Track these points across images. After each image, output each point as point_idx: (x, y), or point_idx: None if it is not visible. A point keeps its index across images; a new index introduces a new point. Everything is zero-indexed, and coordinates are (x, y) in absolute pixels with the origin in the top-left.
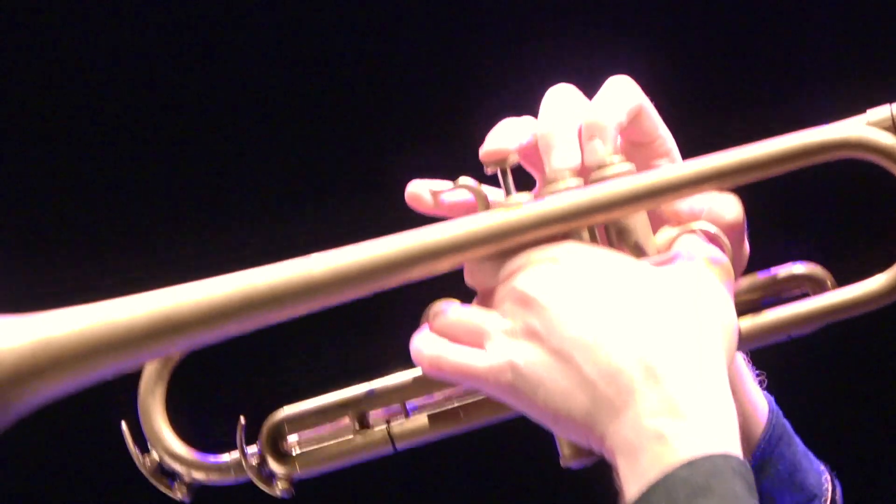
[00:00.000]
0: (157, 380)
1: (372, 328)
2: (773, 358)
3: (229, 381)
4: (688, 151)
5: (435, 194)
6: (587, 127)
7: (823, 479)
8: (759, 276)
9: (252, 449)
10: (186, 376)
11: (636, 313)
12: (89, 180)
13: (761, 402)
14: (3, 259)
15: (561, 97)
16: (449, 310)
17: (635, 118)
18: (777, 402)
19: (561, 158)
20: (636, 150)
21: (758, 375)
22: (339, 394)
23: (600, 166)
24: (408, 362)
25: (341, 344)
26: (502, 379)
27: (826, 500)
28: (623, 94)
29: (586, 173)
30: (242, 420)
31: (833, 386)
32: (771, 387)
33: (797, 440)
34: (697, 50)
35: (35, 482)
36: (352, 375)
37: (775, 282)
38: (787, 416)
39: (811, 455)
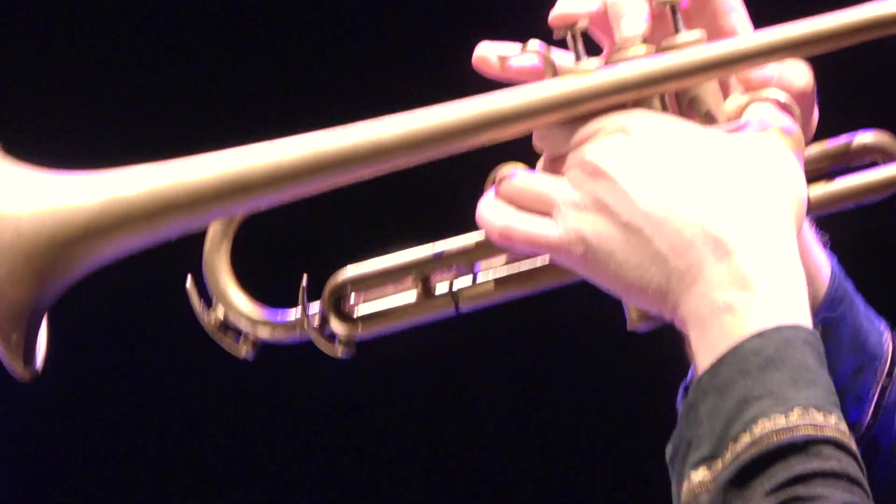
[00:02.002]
0: (222, 237)
1: (439, 190)
2: (836, 220)
3: (295, 239)
4: (759, 21)
5: (502, 59)
6: None
7: (884, 339)
8: (829, 145)
9: (314, 309)
10: (252, 234)
11: (706, 185)
12: (163, 40)
13: (824, 263)
14: (73, 117)
15: None
16: (516, 176)
17: None
18: (839, 263)
19: (631, 25)
20: (701, 7)
21: (821, 236)
22: (404, 254)
23: (666, 32)
24: (473, 225)
25: (407, 206)
26: (573, 251)
27: (886, 360)
28: None
29: (656, 41)
30: (305, 279)
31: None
32: (834, 248)
33: (859, 300)
34: None
35: (99, 339)
36: (417, 238)
37: (844, 150)
38: (848, 277)
39: (872, 314)
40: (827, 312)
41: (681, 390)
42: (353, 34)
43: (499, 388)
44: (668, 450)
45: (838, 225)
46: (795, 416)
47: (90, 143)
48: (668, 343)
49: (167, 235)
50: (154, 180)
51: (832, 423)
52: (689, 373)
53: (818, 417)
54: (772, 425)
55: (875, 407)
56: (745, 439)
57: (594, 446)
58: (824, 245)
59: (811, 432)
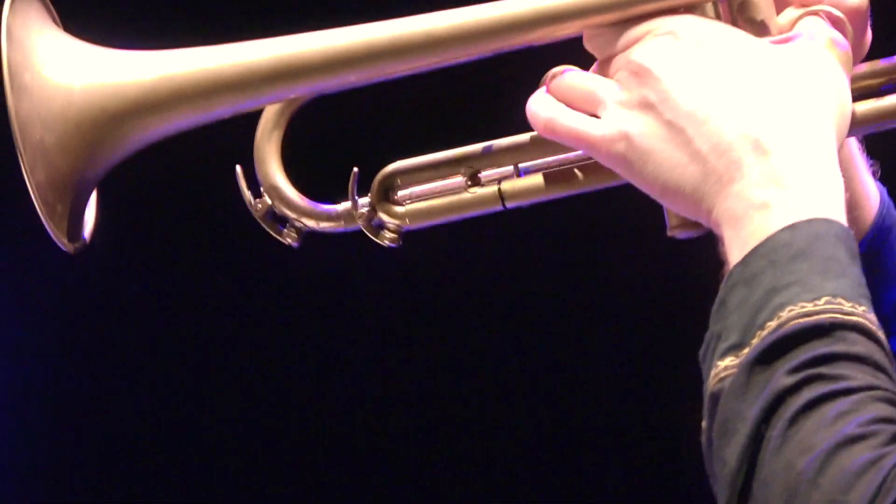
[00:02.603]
0: (273, 126)
1: (490, 91)
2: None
3: (345, 133)
4: None
5: None
6: None
7: None
8: (881, 63)
9: (363, 200)
10: (304, 127)
11: (750, 89)
12: None
13: (873, 191)
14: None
15: None
16: (567, 74)
17: None
18: (890, 194)
19: None
20: None
21: (871, 165)
22: (453, 151)
23: None
24: (523, 127)
25: (458, 104)
26: (614, 148)
27: None
28: None
29: None
30: (356, 170)
31: None
32: (885, 178)
33: None
34: None
35: (148, 216)
36: (467, 136)
37: (892, 68)
38: None
39: None
40: (874, 240)
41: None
42: None
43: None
44: (701, 349)
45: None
46: (823, 303)
47: (154, 28)
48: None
49: (219, 114)
50: (208, 60)
51: (859, 311)
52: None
53: (846, 305)
54: (798, 311)
55: None
56: (772, 325)
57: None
58: (874, 174)
59: (838, 317)
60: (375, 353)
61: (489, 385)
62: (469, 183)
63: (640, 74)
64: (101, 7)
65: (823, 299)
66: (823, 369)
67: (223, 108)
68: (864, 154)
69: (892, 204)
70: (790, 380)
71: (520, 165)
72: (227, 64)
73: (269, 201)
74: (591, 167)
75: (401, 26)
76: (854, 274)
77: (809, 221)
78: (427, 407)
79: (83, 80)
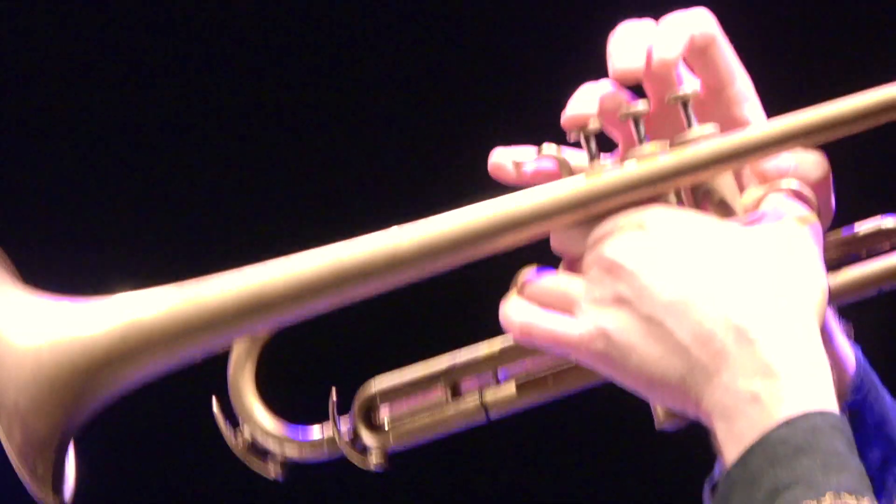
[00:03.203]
0: (246, 357)
1: (460, 298)
2: (859, 309)
3: (317, 354)
4: (772, 107)
5: (517, 165)
6: (654, 44)
7: None
8: (847, 231)
9: (345, 423)
10: (275, 352)
11: (726, 275)
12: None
13: (849, 354)
14: (86, 242)
15: (629, 26)
16: (537, 276)
17: (707, 52)
18: (864, 353)
19: (622, 59)
20: (713, 98)
21: (845, 326)
22: (430, 363)
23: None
24: (498, 331)
25: (430, 314)
26: (594, 347)
27: None
28: (691, 17)
29: (669, 136)
30: (334, 393)
31: None
32: (858, 338)
33: (885, 393)
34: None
35: (127, 468)
36: (442, 346)
37: (863, 236)
38: (873, 368)
39: None
40: (852, 402)
41: (706, 488)
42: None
43: None
44: None
45: (863, 314)
46: (828, 502)
47: (106, 267)
48: None
49: (191, 358)
50: (173, 302)
51: None
52: (715, 468)
53: (850, 501)
54: None
55: None
56: None
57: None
58: (848, 335)
59: None
60: None
61: None
62: (450, 397)
63: (613, 271)
64: (55, 254)
65: (828, 497)
66: None
67: (195, 351)
68: (837, 315)
69: (867, 363)
70: None
71: (499, 373)
72: (194, 304)
73: (249, 434)
74: (573, 369)
75: (362, 246)
76: (855, 465)
77: (805, 416)
78: None
79: (50, 337)
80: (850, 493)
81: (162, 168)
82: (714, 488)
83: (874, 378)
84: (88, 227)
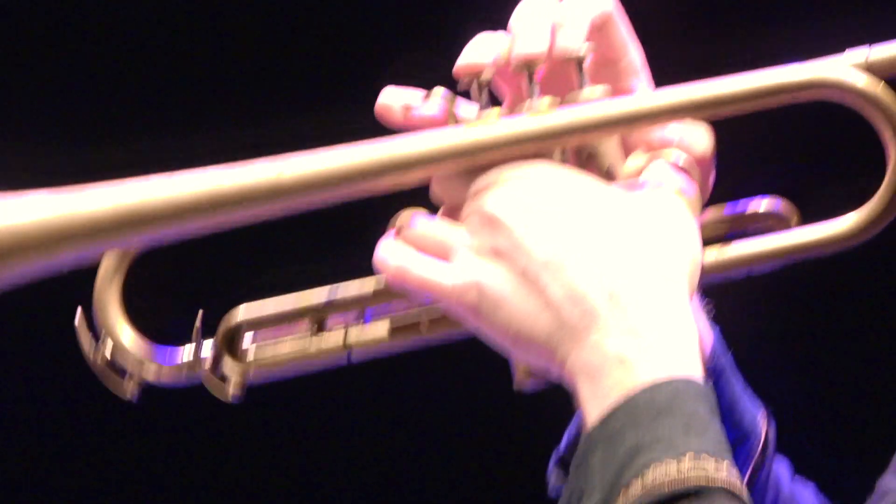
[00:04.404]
0: (115, 271)
1: (339, 234)
2: (722, 290)
3: (188, 275)
4: (662, 78)
5: (406, 108)
6: (558, 21)
7: (759, 418)
8: (725, 209)
9: (207, 349)
10: (145, 268)
11: (602, 238)
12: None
13: (706, 335)
14: None
15: (534, 6)
16: (417, 221)
17: (604, 28)
18: (723, 334)
19: (525, 44)
20: (605, 68)
21: (706, 305)
22: (300, 297)
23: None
24: (371, 271)
25: (306, 247)
26: (466, 298)
27: (759, 441)
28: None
29: (560, 94)
30: (200, 317)
31: (780, 323)
32: (717, 319)
33: (737, 379)
34: None
35: None
36: (315, 281)
37: (741, 215)
38: (731, 349)
39: (750, 393)
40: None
41: (552, 459)
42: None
43: None
44: (561, 502)
45: (724, 295)
46: (687, 463)
47: None
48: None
49: (62, 265)
50: (49, 209)
51: (723, 471)
52: (563, 439)
53: (710, 465)
54: (663, 472)
55: (746, 484)
56: (637, 487)
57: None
58: (708, 314)
59: (703, 483)
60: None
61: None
62: (315, 334)
63: (492, 223)
64: None
65: (687, 457)
66: None
67: (65, 260)
68: (699, 295)
69: (722, 348)
70: None
71: (366, 312)
72: (68, 214)
73: (109, 351)
74: (440, 318)
75: (245, 174)
76: (716, 429)
77: (670, 381)
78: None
79: None
80: (710, 455)
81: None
82: (560, 460)
83: (727, 362)
84: None
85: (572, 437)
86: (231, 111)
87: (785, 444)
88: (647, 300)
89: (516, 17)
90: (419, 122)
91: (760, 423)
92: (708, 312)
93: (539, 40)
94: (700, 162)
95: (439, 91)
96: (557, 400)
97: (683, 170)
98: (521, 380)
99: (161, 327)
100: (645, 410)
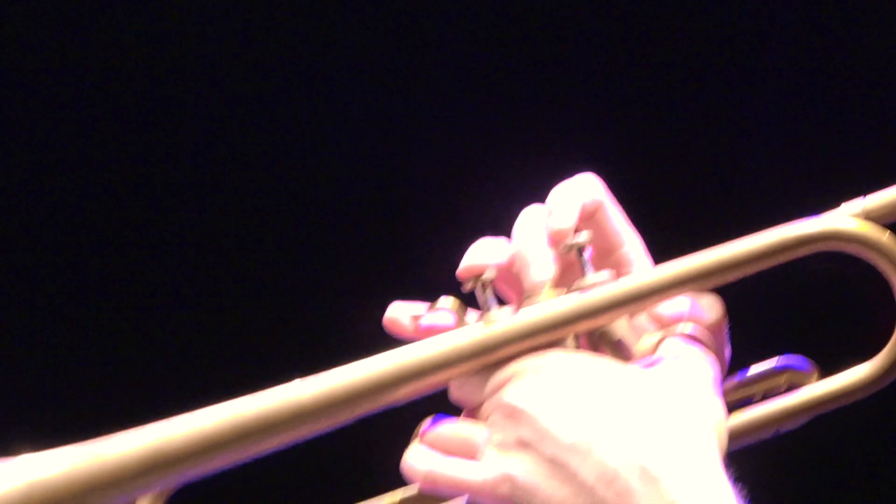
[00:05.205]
0: None
1: (365, 450)
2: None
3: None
4: (663, 254)
5: (414, 319)
6: (549, 217)
7: None
8: (743, 373)
9: None
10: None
11: (626, 414)
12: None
13: None
14: None
15: (533, 215)
16: (439, 425)
17: (596, 216)
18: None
19: (539, 271)
20: (605, 258)
21: (739, 490)
22: None
23: (572, 271)
24: (399, 484)
25: (333, 464)
26: (499, 491)
27: None
28: (579, 185)
29: (565, 285)
30: None
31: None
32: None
33: None
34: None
35: None
36: (345, 498)
37: (759, 377)
38: None
39: None
40: None
41: None
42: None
43: None
44: None
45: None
46: None
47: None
48: None
49: None
50: (74, 461)
51: None
52: None
53: None
54: None
55: None
56: None
57: None
58: (735, 483)
59: None
60: None
61: None
62: None
63: (513, 415)
64: None
65: None
66: None
67: None
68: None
69: None
70: None
71: None
72: (95, 462)
73: None
74: None
75: (265, 400)
76: None
77: None
78: None
79: None
80: None
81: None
82: None
83: None
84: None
85: None
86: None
87: None
88: (678, 470)
89: (518, 238)
90: (428, 330)
91: None
92: (739, 490)
93: (547, 267)
94: (713, 331)
95: (445, 299)
96: None
97: (698, 340)
98: None
99: None
100: None
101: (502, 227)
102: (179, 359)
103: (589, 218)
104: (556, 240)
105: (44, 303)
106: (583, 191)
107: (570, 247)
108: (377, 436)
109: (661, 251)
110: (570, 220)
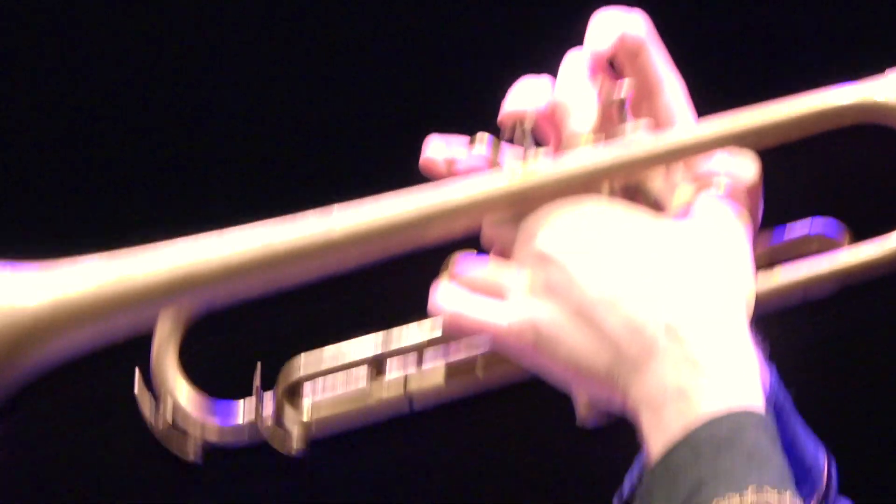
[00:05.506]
0: (171, 334)
1: (392, 281)
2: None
3: (243, 330)
4: (705, 107)
5: (449, 163)
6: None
7: (820, 456)
8: (775, 234)
9: (267, 406)
10: (200, 327)
11: (656, 269)
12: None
13: (763, 369)
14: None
15: (578, 62)
16: (469, 264)
17: (639, 57)
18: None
19: (580, 121)
20: (645, 101)
21: (761, 344)
22: (358, 343)
23: (612, 123)
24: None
25: (360, 296)
26: (523, 337)
27: (822, 477)
28: (623, 17)
29: (603, 132)
30: (259, 370)
31: (837, 365)
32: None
33: (797, 416)
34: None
35: (45, 445)
36: (370, 328)
37: (792, 240)
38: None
39: (809, 431)
40: None
41: (615, 500)
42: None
43: None
44: None
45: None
46: (749, 496)
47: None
48: None
49: (118, 333)
50: (103, 276)
51: (787, 501)
52: (626, 481)
53: (773, 495)
54: None
55: None
56: None
57: None
58: (764, 354)
59: None
60: None
61: None
62: (375, 382)
63: (544, 260)
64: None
65: (750, 490)
66: None
67: (122, 328)
68: (754, 334)
69: (781, 384)
70: None
71: (425, 359)
72: (122, 279)
73: (170, 415)
74: (497, 360)
75: (296, 230)
76: (777, 461)
77: (730, 414)
78: None
79: None
80: (772, 487)
81: (101, 131)
82: (625, 502)
83: (785, 401)
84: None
85: (635, 480)
86: (276, 159)
87: (843, 489)
88: (704, 330)
89: (562, 85)
90: (466, 173)
91: (822, 460)
92: (763, 351)
93: (588, 117)
94: (748, 190)
95: (483, 137)
96: (618, 443)
97: (732, 198)
98: (584, 415)
99: (220, 382)
100: (706, 445)
101: (547, 66)
102: (220, 171)
103: (631, 57)
104: (592, 65)
105: None
106: (625, 21)
107: (613, 101)
108: (407, 268)
109: (702, 104)
110: (606, 43)
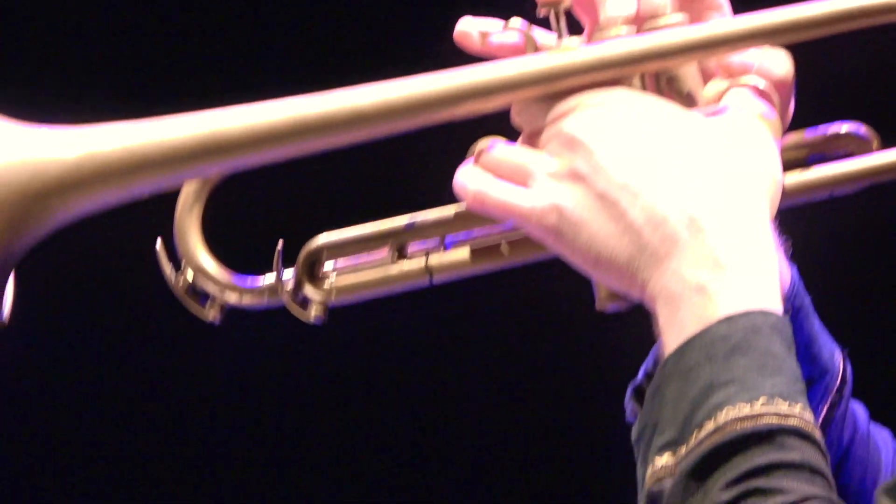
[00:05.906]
0: (195, 199)
1: (418, 160)
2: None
3: (268, 205)
4: (741, 5)
5: (483, 35)
6: None
7: (836, 355)
8: (805, 133)
9: (288, 274)
10: (225, 197)
11: (683, 162)
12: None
13: (784, 271)
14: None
15: None
16: (495, 146)
17: None
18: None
19: (617, 6)
20: (687, 2)
21: (784, 243)
22: (380, 223)
23: (653, 16)
24: (451, 198)
25: (385, 173)
26: (546, 220)
27: (836, 377)
28: None
29: (639, 23)
30: (281, 243)
31: (855, 267)
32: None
33: (815, 316)
34: None
35: (64, 298)
36: (394, 211)
37: (821, 139)
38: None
39: (827, 332)
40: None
41: (629, 388)
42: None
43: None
44: (634, 430)
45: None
46: (760, 405)
47: (72, 99)
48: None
49: (140, 193)
50: (131, 137)
51: (797, 412)
52: (640, 371)
53: (783, 406)
54: (736, 413)
55: (823, 421)
56: (709, 427)
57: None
58: (786, 252)
59: (775, 422)
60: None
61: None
62: (396, 258)
63: (571, 145)
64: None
65: (760, 399)
66: (760, 482)
67: (146, 187)
68: (777, 231)
69: (801, 283)
70: (727, 495)
71: (447, 239)
72: (150, 141)
73: (191, 276)
74: (520, 240)
75: (325, 102)
76: (790, 368)
77: (747, 314)
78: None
79: (3, 158)
80: (784, 399)
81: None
82: (636, 391)
83: (806, 299)
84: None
85: (649, 369)
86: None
87: (859, 393)
88: (727, 227)
89: None
90: (498, 48)
91: (838, 359)
92: (786, 250)
93: (625, 2)
94: (780, 87)
95: (517, 21)
96: (635, 333)
97: (763, 95)
98: (604, 301)
99: (241, 256)
100: (720, 345)
101: None
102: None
103: None
104: None
105: None
106: None
107: None
108: (433, 149)
109: (737, 5)
110: None
